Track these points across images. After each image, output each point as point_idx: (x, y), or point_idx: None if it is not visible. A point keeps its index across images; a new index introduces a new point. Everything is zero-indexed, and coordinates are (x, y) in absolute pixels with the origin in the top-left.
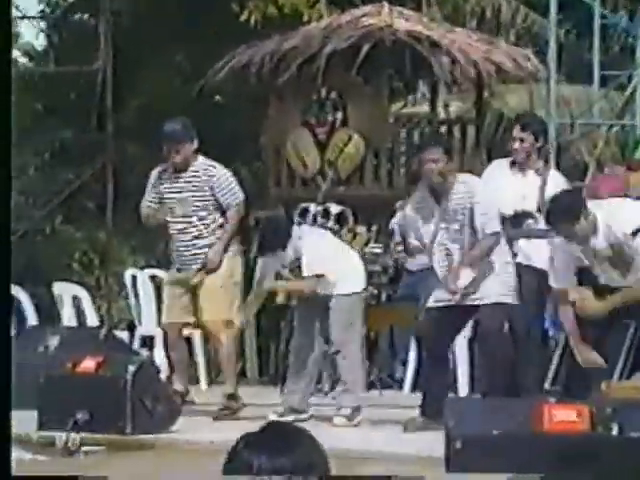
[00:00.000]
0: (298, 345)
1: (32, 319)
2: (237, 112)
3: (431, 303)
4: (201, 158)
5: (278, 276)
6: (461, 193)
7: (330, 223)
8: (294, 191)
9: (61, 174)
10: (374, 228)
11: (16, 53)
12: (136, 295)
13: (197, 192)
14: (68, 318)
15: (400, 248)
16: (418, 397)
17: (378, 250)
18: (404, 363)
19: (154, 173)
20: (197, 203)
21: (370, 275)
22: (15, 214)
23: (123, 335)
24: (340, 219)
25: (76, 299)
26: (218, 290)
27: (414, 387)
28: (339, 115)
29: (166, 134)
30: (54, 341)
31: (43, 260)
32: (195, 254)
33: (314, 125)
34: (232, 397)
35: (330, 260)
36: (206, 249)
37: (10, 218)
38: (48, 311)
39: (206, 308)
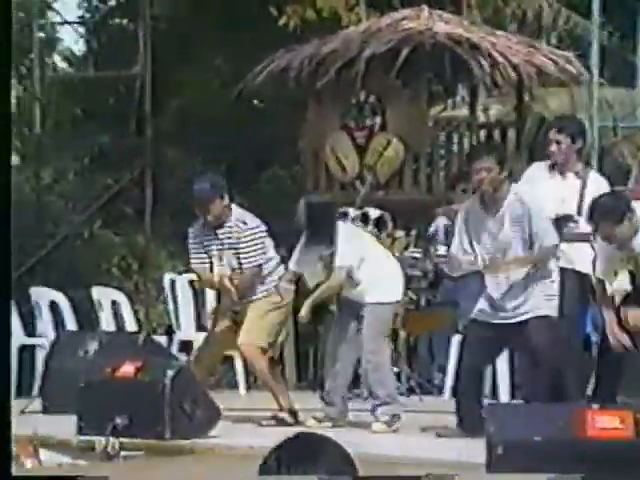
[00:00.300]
0: (333, 348)
1: (71, 324)
2: (276, 116)
3: (475, 314)
4: (235, 211)
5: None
6: (514, 204)
7: (369, 227)
8: (333, 195)
9: (100, 179)
10: (413, 233)
11: (56, 58)
12: (174, 300)
13: (235, 248)
14: (107, 323)
15: (441, 252)
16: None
17: (417, 255)
18: (443, 369)
19: (191, 232)
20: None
21: (409, 280)
22: (55, 219)
23: (161, 340)
24: (379, 224)
25: (115, 304)
26: (259, 316)
27: (454, 393)
28: (378, 119)
29: (195, 194)
30: (93, 346)
31: (82, 265)
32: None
33: (353, 129)
34: (291, 413)
35: (366, 262)
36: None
37: (10, 210)
38: (87, 316)
39: (243, 331)
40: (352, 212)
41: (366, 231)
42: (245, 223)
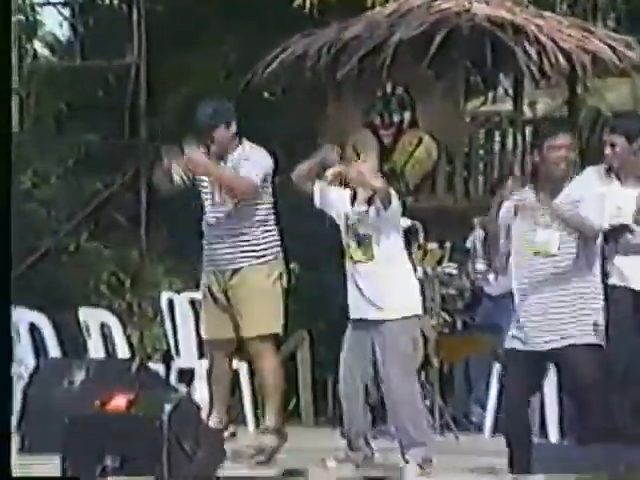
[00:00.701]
0: (345, 375)
1: (55, 350)
2: (290, 111)
3: (509, 343)
4: (247, 144)
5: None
6: (569, 194)
7: None
8: None
9: (87, 183)
10: (448, 245)
11: (37, 44)
12: (173, 322)
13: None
14: (95, 349)
15: (480, 268)
16: (500, 441)
17: (453, 270)
18: (482, 403)
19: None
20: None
21: (443, 299)
22: (35, 229)
23: (158, 368)
24: (408, 234)
25: (104, 327)
26: (258, 298)
27: (495, 429)
28: (407, 115)
29: (196, 120)
30: (80, 375)
31: (67, 282)
32: (231, 253)
33: (378, 126)
34: (277, 432)
35: None
36: (245, 246)
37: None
38: (73, 341)
39: (245, 321)
40: None
41: None
42: (247, 160)
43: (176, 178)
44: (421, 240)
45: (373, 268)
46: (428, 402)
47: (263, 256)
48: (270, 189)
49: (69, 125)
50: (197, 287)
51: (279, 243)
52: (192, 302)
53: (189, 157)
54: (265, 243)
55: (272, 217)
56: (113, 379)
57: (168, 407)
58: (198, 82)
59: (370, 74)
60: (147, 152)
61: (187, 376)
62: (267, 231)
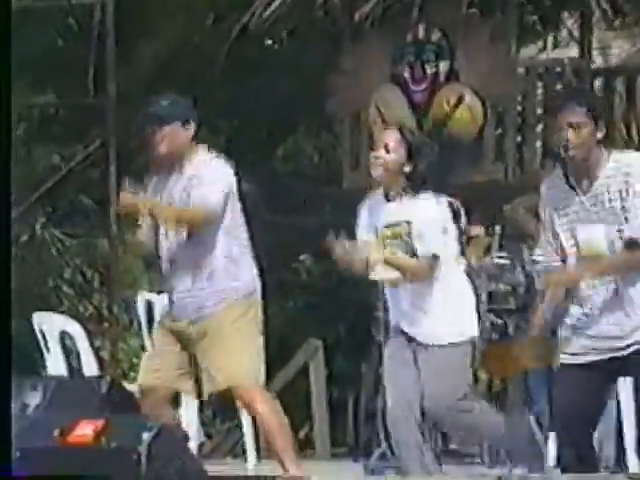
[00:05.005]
0: (390, 403)
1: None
2: (296, 62)
3: (567, 358)
4: (203, 152)
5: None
6: (613, 176)
7: None
8: None
9: (43, 156)
10: (497, 229)
11: None
12: (152, 330)
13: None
14: (54, 364)
15: (538, 257)
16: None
17: (504, 261)
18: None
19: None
20: None
21: (490, 297)
22: None
23: (134, 388)
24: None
25: (66, 337)
26: (231, 336)
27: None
28: (444, 65)
29: (148, 114)
30: (35, 399)
31: (18, 281)
32: (191, 298)
33: (408, 80)
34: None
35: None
36: (204, 293)
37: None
38: (26, 354)
39: (220, 368)
40: None
41: None
42: (212, 160)
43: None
44: (463, 224)
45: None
46: None
47: (232, 293)
48: (237, 207)
49: (18, 83)
50: None
51: (254, 273)
52: None
53: (122, 202)
54: (229, 278)
55: (241, 244)
56: (77, 402)
57: (146, 436)
58: (180, 27)
59: (397, 13)
60: (116, 116)
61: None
62: (233, 261)
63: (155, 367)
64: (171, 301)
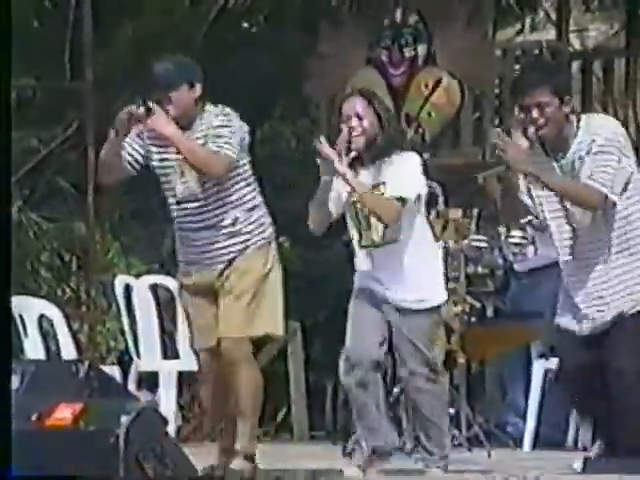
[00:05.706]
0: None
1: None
2: (274, 45)
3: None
4: (211, 108)
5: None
6: (584, 141)
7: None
8: None
9: (20, 139)
10: (474, 212)
11: None
12: (131, 314)
13: None
14: (33, 348)
15: (516, 239)
16: (543, 456)
17: (482, 244)
18: (520, 410)
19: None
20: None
21: (469, 280)
22: None
23: (113, 371)
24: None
25: (44, 320)
26: (242, 296)
27: (535, 443)
28: (422, 49)
29: (153, 77)
30: (13, 383)
31: None
32: (217, 249)
33: (386, 63)
34: (248, 458)
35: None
36: (230, 241)
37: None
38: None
39: (222, 322)
40: None
41: None
42: (225, 114)
43: (127, 159)
44: (441, 206)
45: (389, 251)
46: (452, 410)
47: (254, 241)
48: (247, 159)
49: None
50: (162, 268)
51: (269, 221)
52: (154, 288)
53: (155, 119)
54: (252, 224)
55: (254, 192)
56: (55, 386)
57: (125, 419)
58: (157, 9)
59: None
60: (94, 99)
61: (149, 381)
62: (251, 209)
63: (201, 329)
64: (190, 253)
